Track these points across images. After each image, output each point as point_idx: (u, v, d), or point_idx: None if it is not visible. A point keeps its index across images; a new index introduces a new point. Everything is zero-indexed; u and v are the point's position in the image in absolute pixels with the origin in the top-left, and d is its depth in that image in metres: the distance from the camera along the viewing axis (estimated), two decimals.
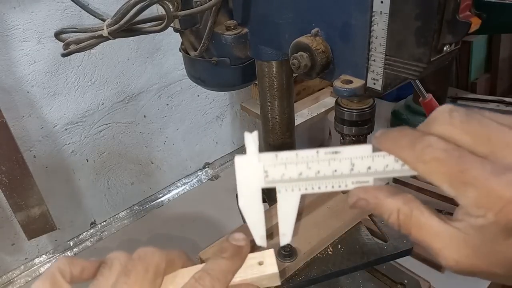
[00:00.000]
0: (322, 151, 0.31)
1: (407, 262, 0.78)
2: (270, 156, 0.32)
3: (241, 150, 1.14)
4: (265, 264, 0.34)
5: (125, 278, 0.31)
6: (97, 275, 0.33)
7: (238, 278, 0.34)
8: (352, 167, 0.31)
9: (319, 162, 0.31)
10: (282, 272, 0.58)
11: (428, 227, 0.28)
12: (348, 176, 0.31)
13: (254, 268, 0.34)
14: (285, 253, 0.58)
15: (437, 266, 0.85)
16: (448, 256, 0.27)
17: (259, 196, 0.33)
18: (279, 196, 0.32)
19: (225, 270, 0.33)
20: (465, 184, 0.26)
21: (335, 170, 0.31)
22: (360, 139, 0.60)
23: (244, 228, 0.36)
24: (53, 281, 0.32)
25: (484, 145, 0.26)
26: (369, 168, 0.31)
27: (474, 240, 0.26)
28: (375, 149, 0.31)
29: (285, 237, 0.34)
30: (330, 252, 0.62)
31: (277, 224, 0.34)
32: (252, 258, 0.34)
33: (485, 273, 0.27)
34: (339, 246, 0.63)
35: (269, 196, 0.77)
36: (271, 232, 0.53)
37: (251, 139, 0.33)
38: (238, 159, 0.32)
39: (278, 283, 0.35)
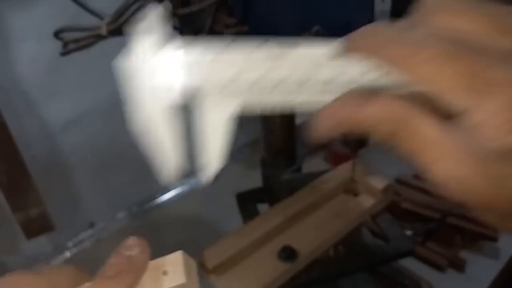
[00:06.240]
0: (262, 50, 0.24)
1: (408, 263, 0.78)
2: (198, 48, 0.23)
3: (242, 150, 1.14)
4: (170, 273, 0.26)
5: None
6: None
7: None
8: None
9: (261, 63, 0.23)
10: (282, 274, 0.58)
11: (421, 134, 0.20)
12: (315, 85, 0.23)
13: (158, 280, 0.26)
14: (285, 254, 0.58)
15: (438, 266, 0.84)
16: (441, 172, 0.19)
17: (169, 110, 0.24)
18: (204, 110, 0.25)
19: None
20: (486, 90, 0.18)
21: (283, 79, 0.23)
22: (361, 139, 0.59)
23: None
24: None
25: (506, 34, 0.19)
26: (337, 77, 0.22)
27: (483, 165, 0.18)
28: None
29: (209, 167, 0.25)
30: (331, 254, 0.61)
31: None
32: (156, 267, 0.26)
33: (483, 203, 0.19)
34: (340, 248, 0.62)
35: (271, 194, 0.77)
36: None
37: (154, 18, 0.23)
38: (126, 60, 0.23)
39: None
